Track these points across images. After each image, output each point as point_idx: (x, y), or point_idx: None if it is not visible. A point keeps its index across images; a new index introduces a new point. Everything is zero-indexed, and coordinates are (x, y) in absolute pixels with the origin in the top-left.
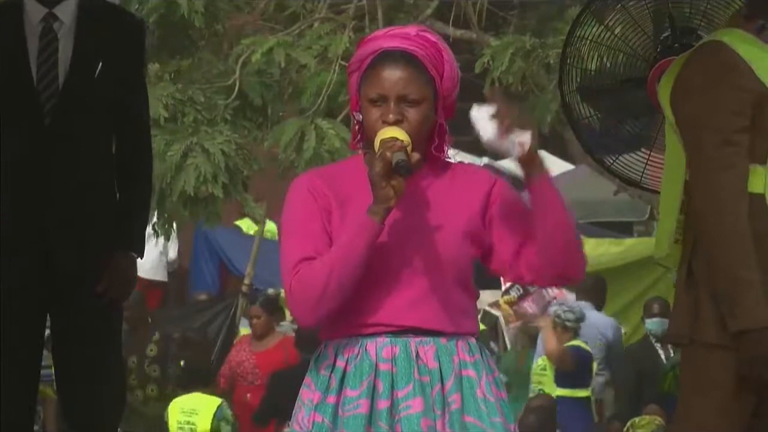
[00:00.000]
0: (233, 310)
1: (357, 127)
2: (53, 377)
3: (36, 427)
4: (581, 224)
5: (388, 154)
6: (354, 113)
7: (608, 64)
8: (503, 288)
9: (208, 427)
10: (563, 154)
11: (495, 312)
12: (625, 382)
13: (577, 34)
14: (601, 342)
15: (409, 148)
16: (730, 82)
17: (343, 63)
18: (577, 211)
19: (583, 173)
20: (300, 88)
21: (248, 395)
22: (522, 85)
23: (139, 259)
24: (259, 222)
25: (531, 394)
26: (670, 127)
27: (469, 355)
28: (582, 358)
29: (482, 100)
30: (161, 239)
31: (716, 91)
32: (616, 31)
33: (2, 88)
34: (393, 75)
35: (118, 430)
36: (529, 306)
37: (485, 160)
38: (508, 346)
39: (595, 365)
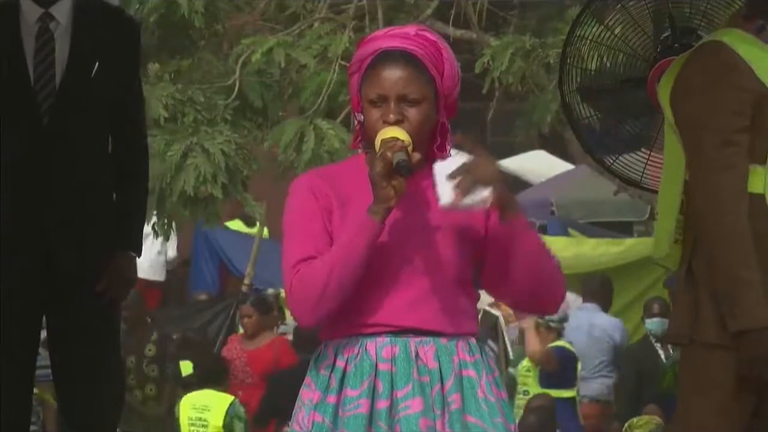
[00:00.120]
0: (233, 310)
1: (358, 127)
2: (52, 377)
3: (36, 428)
4: (581, 224)
5: (389, 154)
6: (355, 114)
7: (608, 64)
8: None
9: (221, 423)
10: (563, 154)
11: (495, 312)
12: (625, 382)
13: (577, 34)
14: (608, 344)
15: (410, 148)
16: (730, 82)
17: (343, 63)
18: (577, 211)
19: (583, 173)
20: (300, 88)
21: (240, 394)
22: (522, 85)
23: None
24: (254, 223)
25: (518, 395)
26: (669, 128)
27: (470, 355)
28: (565, 359)
29: (482, 99)
30: (158, 239)
31: (716, 91)
32: (616, 31)
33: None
34: (393, 75)
35: (117, 430)
36: None
37: None
38: (508, 346)
39: (600, 366)
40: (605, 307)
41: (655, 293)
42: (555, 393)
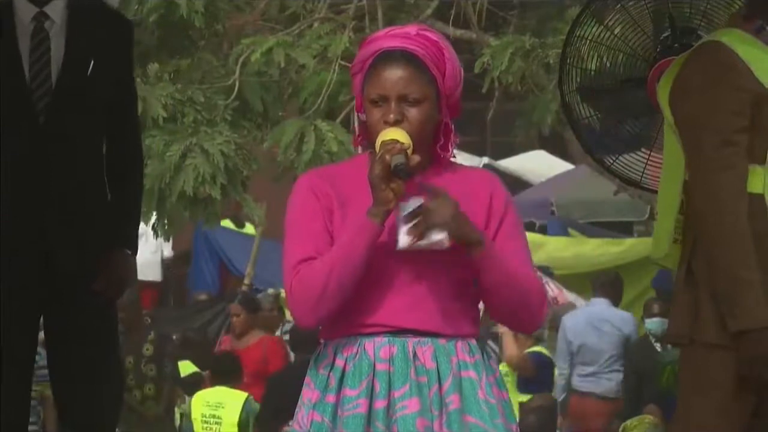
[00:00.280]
0: None
1: (361, 127)
2: (49, 377)
3: (36, 428)
4: (581, 224)
5: (388, 157)
6: (358, 114)
7: (608, 64)
8: None
9: (236, 420)
10: (563, 154)
11: None
12: (626, 382)
13: (577, 34)
14: (618, 337)
15: (409, 151)
16: (729, 82)
17: (342, 63)
18: (577, 211)
19: (583, 173)
20: (299, 88)
21: None
22: (522, 85)
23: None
24: (243, 223)
25: None
26: (668, 128)
27: (470, 356)
28: (542, 364)
29: (482, 99)
30: (153, 239)
31: (715, 92)
32: (616, 31)
33: None
34: (393, 75)
35: (117, 430)
36: None
37: (485, 160)
38: None
39: (611, 361)
40: (616, 302)
41: (655, 293)
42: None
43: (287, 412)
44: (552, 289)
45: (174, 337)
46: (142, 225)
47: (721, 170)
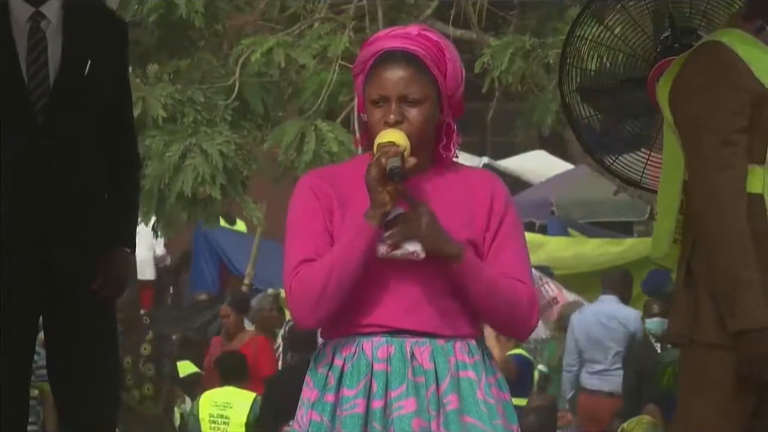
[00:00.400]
0: None
1: (363, 127)
2: (48, 377)
3: (36, 428)
4: (581, 224)
5: (383, 160)
6: (361, 114)
7: (608, 64)
8: None
9: (245, 420)
10: (563, 154)
11: None
12: (626, 382)
13: (577, 34)
14: (623, 333)
15: (406, 153)
16: (729, 82)
17: (342, 63)
18: (577, 211)
19: (583, 173)
20: (300, 88)
21: None
22: (522, 85)
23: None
24: (235, 221)
25: None
26: (668, 128)
27: (469, 357)
28: (522, 366)
29: (482, 99)
30: (146, 238)
31: (715, 92)
32: (616, 31)
33: None
34: (394, 75)
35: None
36: None
37: (485, 160)
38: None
39: (618, 357)
40: (625, 299)
41: (646, 297)
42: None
43: (286, 412)
44: (552, 289)
45: (174, 337)
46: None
47: (720, 170)
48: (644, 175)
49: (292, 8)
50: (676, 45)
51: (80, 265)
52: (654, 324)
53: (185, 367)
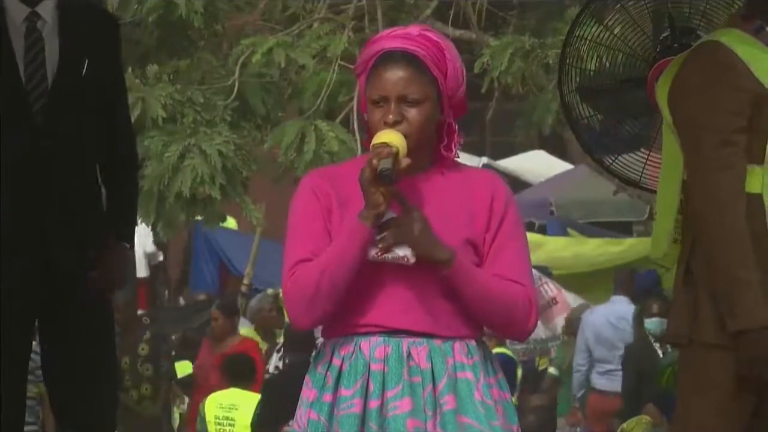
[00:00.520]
0: None
1: (367, 127)
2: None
3: (35, 428)
4: (581, 224)
5: (375, 161)
6: (363, 114)
7: (607, 64)
8: None
9: (250, 422)
10: (563, 154)
11: None
12: (626, 382)
13: (577, 34)
14: (631, 334)
15: (400, 153)
16: (728, 82)
17: (342, 63)
18: (576, 211)
19: (583, 173)
20: (299, 88)
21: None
22: (521, 85)
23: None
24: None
25: None
26: (667, 127)
27: (467, 358)
28: (505, 365)
29: (482, 99)
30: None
31: (714, 91)
32: (616, 31)
33: None
34: (394, 75)
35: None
36: None
37: (485, 160)
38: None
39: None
40: (634, 299)
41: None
42: None
43: (285, 412)
44: (551, 289)
45: (173, 337)
46: None
47: (719, 170)
48: (643, 175)
49: (291, 8)
50: (676, 45)
51: (80, 265)
52: (653, 324)
53: (184, 367)
